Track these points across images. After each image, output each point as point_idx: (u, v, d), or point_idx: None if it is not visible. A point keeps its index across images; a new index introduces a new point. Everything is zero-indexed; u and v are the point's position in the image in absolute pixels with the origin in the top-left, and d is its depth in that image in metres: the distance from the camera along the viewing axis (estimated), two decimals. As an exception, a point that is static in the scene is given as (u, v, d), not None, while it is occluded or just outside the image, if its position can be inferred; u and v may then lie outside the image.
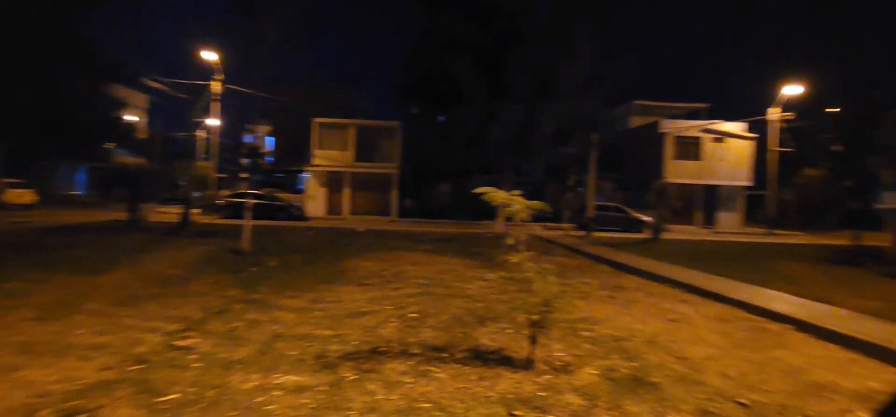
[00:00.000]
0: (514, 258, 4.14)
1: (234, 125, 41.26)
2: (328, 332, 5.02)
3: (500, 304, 5.95)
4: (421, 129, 28.82)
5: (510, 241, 4.16)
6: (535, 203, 4.14)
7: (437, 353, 4.51)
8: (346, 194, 29.19)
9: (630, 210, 23.85)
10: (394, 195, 29.13)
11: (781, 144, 28.08)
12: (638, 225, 22.14)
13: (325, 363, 4.11)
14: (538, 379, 3.95)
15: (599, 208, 21.60)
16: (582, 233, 18.99)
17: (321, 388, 3.61)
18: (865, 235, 16.15)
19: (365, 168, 28.99)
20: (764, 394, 3.85)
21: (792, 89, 26.38)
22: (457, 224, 23.22)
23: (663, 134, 29.11)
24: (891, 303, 7.35)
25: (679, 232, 22.34)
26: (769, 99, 27.67)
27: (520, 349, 4.56)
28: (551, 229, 22.46)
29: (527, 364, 4.21)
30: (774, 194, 28.20)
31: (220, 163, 30.72)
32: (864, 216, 19.73)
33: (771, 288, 8.24)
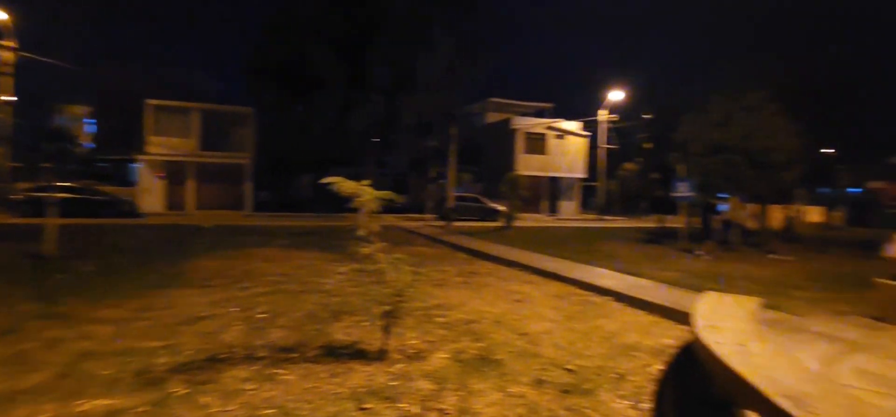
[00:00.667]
0: (365, 250, 4.08)
1: (38, 105, 33.96)
2: (156, 343, 4.39)
3: (358, 297, 5.86)
4: (278, 117, 27.01)
5: (362, 232, 4.08)
6: (385, 193, 4.12)
7: (286, 354, 4.25)
8: (190, 186, 26.03)
9: (486, 200, 25.46)
10: (247, 188, 26.82)
11: (608, 142, 32.62)
12: (494, 214, 23.72)
13: (148, 380, 3.58)
14: (391, 369, 3.96)
15: (459, 198, 22.67)
16: (443, 223, 19.71)
17: (140, 409, 3.13)
18: (667, 218, 19.64)
19: (212, 158, 26.13)
20: (587, 359, 4.40)
21: (616, 95, 30.82)
22: (318, 217, 22.31)
23: (515, 130, 31.62)
24: (682, 273, 9.03)
25: (528, 220, 24.55)
26: (599, 102, 31.93)
27: (374, 341, 4.53)
28: (414, 219, 22.90)
29: (380, 356, 4.20)
30: (603, 184, 32.67)
31: (17, 150, 24.96)
32: (666, 203, 23.97)
33: (597, 266, 9.50)
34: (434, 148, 25.91)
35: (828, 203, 31.99)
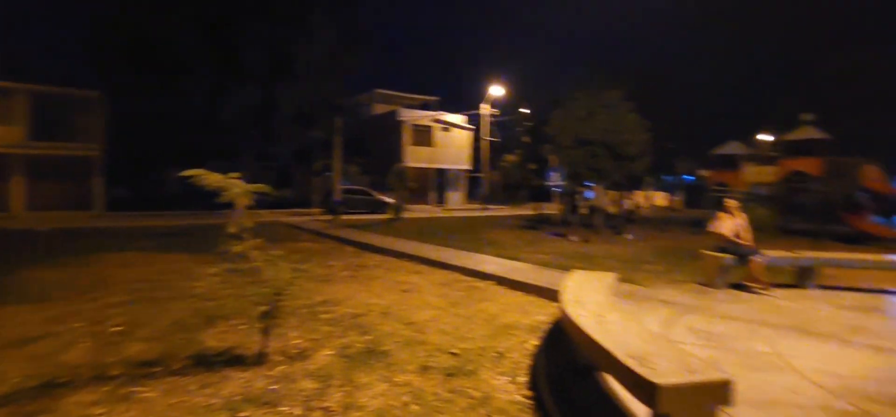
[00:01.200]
0: (237, 248, 3.79)
1: None
2: (-33, 374, 3.62)
3: (233, 299, 5.44)
4: (136, 103, 23.73)
5: (233, 229, 3.78)
6: (259, 186, 3.86)
7: (146, 369, 3.79)
8: (18, 183, 21.79)
9: (375, 193, 25.24)
10: (97, 184, 23.21)
11: (491, 135, 34.31)
12: (382, 206, 23.61)
13: (-45, 419, 2.94)
14: (271, 372, 3.75)
15: (346, 191, 22.16)
16: (330, 217, 19.12)
17: (-55, 455, 2.57)
18: (544, 205, 21.33)
19: (49, 149, 22.12)
20: (470, 342, 4.61)
21: (496, 90, 32.46)
22: (188, 216, 20.18)
23: (402, 122, 31.74)
24: (555, 255, 9.87)
25: (417, 211, 24.88)
26: (482, 97, 33.39)
27: (253, 344, 4.25)
28: (300, 214, 21.89)
29: (259, 360, 3.95)
30: (487, 175, 34.33)
31: None
32: (542, 191, 26.06)
33: (481, 253, 9.98)
34: (319, 140, 24.89)
35: (670, 189, 37.45)
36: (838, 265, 7.17)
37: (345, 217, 18.99)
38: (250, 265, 3.86)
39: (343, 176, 20.74)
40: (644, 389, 2.31)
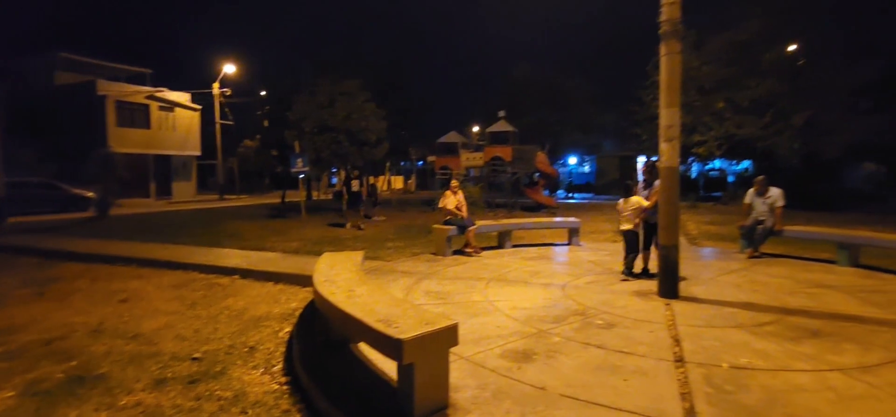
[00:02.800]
0: None
1: None
2: None
3: None
4: None
5: None
6: None
7: None
8: None
9: (67, 186, 19.68)
10: None
11: (223, 118, 30.95)
12: (80, 203, 18.66)
13: None
14: None
15: (17, 185, 16.58)
16: (-12, 221, 14.01)
17: None
18: (289, 193, 20.66)
19: None
20: (215, 342, 4.22)
21: (228, 68, 29.43)
22: None
23: (104, 97, 25.50)
24: (304, 242, 9.79)
25: (133, 206, 20.66)
26: (211, 76, 29.73)
27: None
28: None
29: None
30: (221, 162, 30.94)
31: None
32: (287, 178, 25.12)
33: (221, 247, 9.09)
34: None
35: (405, 173, 41.55)
36: (524, 228, 9.55)
37: (15, 220, 14.27)
38: None
39: (10, 165, 15.44)
40: (392, 346, 2.62)
